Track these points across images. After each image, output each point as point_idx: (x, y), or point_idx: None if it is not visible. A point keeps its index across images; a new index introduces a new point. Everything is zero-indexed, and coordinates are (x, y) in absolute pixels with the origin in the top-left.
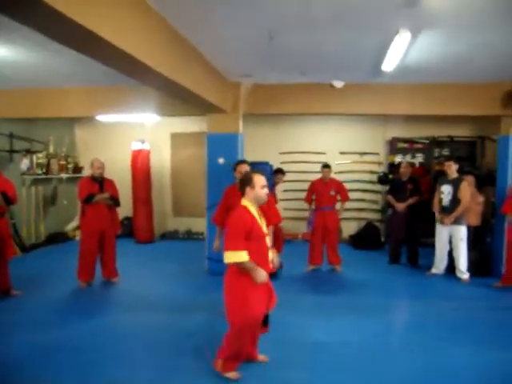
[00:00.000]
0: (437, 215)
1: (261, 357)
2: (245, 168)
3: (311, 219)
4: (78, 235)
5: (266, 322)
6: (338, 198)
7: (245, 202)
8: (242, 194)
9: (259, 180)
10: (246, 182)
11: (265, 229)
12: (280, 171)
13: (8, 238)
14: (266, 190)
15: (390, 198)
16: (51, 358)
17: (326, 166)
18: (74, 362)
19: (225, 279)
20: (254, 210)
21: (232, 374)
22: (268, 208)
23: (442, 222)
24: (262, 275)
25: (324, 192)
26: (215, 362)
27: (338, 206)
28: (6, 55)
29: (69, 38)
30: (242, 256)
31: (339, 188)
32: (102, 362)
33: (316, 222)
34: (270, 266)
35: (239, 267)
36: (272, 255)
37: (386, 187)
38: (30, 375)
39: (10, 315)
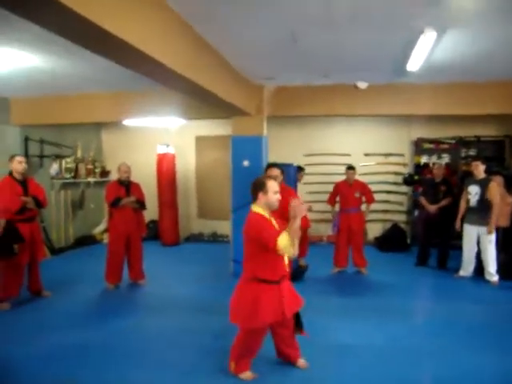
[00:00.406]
0: (459, 217)
1: (301, 362)
2: (275, 172)
3: (336, 221)
4: (106, 238)
5: (298, 323)
6: (363, 199)
7: (256, 207)
8: (254, 198)
9: (272, 185)
10: (259, 186)
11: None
12: (299, 168)
13: (39, 240)
14: (278, 196)
15: (423, 199)
16: (79, 357)
17: (351, 167)
18: (101, 362)
19: (238, 283)
20: (266, 214)
21: (246, 375)
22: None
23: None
24: (298, 211)
25: (349, 194)
26: (229, 364)
27: (363, 207)
28: (37, 64)
29: (98, 45)
30: (285, 242)
31: (364, 190)
32: (128, 362)
33: (341, 223)
34: (287, 269)
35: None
36: (287, 259)
37: (412, 188)
38: (57, 374)
39: (41, 315)
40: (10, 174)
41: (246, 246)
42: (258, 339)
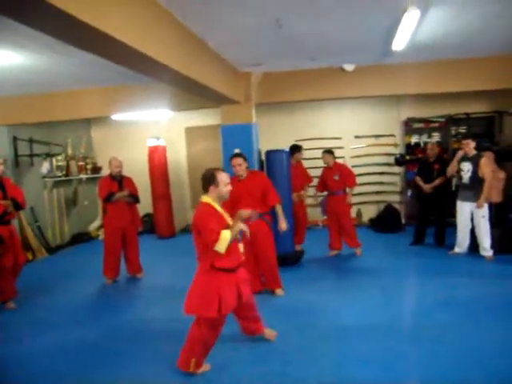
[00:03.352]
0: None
1: (267, 332)
2: (238, 161)
3: (322, 204)
4: (101, 234)
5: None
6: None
7: (206, 198)
8: (205, 191)
9: (223, 177)
10: (210, 180)
11: (230, 221)
12: (295, 147)
13: (19, 243)
14: (229, 188)
15: (418, 179)
16: (79, 353)
17: (326, 151)
18: (102, 357)
19: (195, 275)
20: (216, 205)
21: (204, 367)
22: (267, 189)
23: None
24: (241, 216)
25: (329, 177)
26: (184, 364)
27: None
28: (20, 62)
29: (79, 39)
30: (225, 237)
31: (343, 172)
32: (129, 356)
33: (327, 207)
34: (242, 257)
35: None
36: (242, 247)
37: (404, 168)
38: (58, 370)
39: (39, 313)
40: None
41: (198, 237)
42: (218, 330)
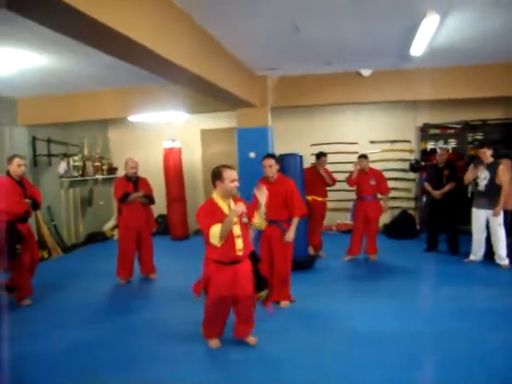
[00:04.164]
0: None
1: (250, 338)
2: (269, 162)
3: (353, 209)
4: (116, 234)
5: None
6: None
7: (214, 194)
8: (214, 186)
9: (229, 174)
10: (216, 175)
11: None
12: (322, 154)
13: (34, 241)
14: (235, 184)
15: (427, 185)
16: (92, 353)
17: (362, 156)
18: (115, 357)
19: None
20: (220, 201)
21: (213, 342)
22: (292, 198)
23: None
24: (234, 211)
25: (364, 181)
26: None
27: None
28: (42, 63)
29: (99, 41)
30: (216, 231)
31: (379, 179)
32: (142, 356)
33: (357, 211)
34: (239, 253)
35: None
36: (241, 243)
37: (419, 174)
38: (71, 370)
39: (53, 311)
40: (8, 174)
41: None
42: (218, 311)
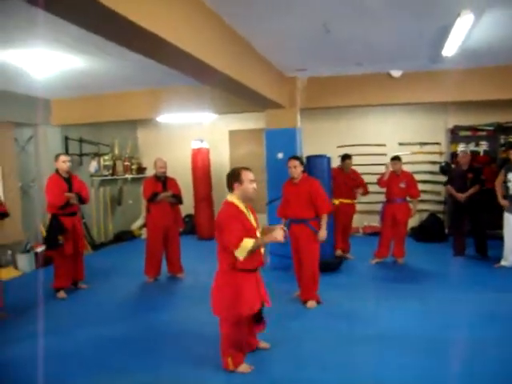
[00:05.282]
0: (500, 198)
1: (261, 343)
2: (294, 163)
3: (382, 211)
4: (144, 233)
5: (259, 319)
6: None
7: (232, 197)
8: (230, 189)
9: (247, 175)
10: (234, 177)
11: (254, 222)
12: (346, 156)
13: (81, 233)
14: (254, 185)
15: (450, 188)
16: (119, 350)
17: (394, 157)
18: (142, 355)
19: (216, 276)
20: (241, 205)
21: (243, 367)
22: (316, 197)
23: (509, 211)
24: (274, 236)
25: (394, 184)
26: (224, 363)
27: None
28: (80, 65)
29: (134, 42)
30: (247, 244)
31: (410, 182)
32: (168, 354)
33: (385, 214)
34: (263, 259)
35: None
36: (263, 249)
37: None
38: (96, 366)
39: (80, 308)
40: (57, 171)
41: (220, 236)
42: (243, 329)
